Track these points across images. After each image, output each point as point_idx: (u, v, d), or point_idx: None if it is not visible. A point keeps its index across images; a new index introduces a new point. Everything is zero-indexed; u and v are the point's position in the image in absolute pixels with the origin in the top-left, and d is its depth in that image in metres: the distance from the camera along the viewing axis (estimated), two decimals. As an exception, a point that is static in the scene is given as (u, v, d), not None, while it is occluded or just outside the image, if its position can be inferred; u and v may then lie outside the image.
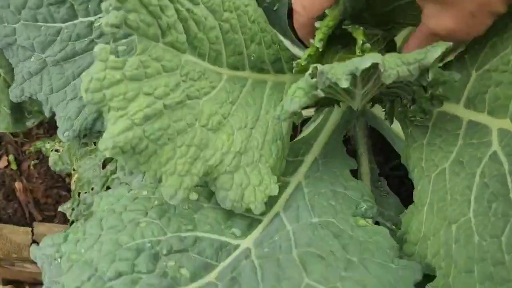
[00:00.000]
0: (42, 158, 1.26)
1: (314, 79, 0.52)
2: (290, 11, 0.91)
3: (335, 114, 0.82)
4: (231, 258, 0.60)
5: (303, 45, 0.90)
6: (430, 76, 0.53)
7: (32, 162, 1.24)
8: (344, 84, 0.49)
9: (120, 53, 0.51)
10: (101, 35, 0.86)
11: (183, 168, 0.55)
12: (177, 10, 0.54)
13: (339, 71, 0.50)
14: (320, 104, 0.74)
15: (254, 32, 0.66)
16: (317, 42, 0.65)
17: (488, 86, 0.58)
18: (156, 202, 0.63)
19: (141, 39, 0.51)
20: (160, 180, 0.54)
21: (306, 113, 0.96)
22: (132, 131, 0.50)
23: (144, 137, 0.51)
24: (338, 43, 0.70)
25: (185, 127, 0.56)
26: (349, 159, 0.75)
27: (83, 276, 0.56)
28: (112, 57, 0.49)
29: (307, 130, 0.84)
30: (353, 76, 0.50)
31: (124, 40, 0.66)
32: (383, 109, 0.72)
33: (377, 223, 0.77)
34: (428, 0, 0.55)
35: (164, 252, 0.57)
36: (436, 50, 0.50)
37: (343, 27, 0.64)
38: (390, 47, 0.69)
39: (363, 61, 0.49)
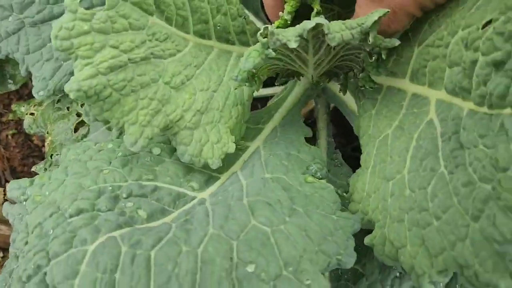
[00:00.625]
0: (20, 128, 1.29)
1: (266, 39, 0.57)
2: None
3: (297, 89, 0.87)
4: (187, 206, 0.65)
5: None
6: (371, 39, 0.58)
7: (10, 132, 1.27)
8: (293, 44, 0.54)
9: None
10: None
11: (144, 118, 0.60)
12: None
13: (289, 33, 0.55)
14: (281, 75, 0.79)
15: (220, 3, 0.70)
16: (286, 14, 0.69)
17: (427, 60, 0.64)
18: (119, 153, 0.68)
19: (109, -5, 0.55)
20: (122, 128, 0.59)
21: (273, 91, 1.01)
22: (97, 78, 0.54)
23: (108, 85, 0.56)
24: (305, 17, 0.75)
25: (148, 81, 0.60)
26: (305, 127, 0.80)
27: (46, 213, 0.60)
28: (81, 9, 0.53)
29: (270, 102, 0.89)
30: (301, 37, 0.55)
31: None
32: (339, 83, 0.78)
33: (329, 190, 0.83)
34: None
35: (124, 195, 0.62)
36: (374, 15, 0.56)
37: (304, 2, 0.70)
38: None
39: (310, 22, 0.54)
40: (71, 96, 0.52)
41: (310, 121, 1.08)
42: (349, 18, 0.78)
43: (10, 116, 1.26)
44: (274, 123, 0.82)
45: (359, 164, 0.72)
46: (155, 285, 0.50)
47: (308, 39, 0.61)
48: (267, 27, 0.57)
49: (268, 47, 0.58)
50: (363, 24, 0.55)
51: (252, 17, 1.04)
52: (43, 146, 1.29)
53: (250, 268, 0.52)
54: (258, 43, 0.61)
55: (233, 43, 0.77)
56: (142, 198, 0.62)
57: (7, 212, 0.69)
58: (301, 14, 0.73)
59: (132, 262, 0.52)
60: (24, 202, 0.64)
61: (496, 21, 0.48)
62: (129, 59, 0.58)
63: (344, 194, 0.82)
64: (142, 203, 0.61)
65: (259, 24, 1.03)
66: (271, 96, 1.02)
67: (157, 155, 0.70)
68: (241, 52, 0.79)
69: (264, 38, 0.58)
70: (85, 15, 0.53)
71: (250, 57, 0.59)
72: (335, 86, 0.87)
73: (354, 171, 0.89)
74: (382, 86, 0.73)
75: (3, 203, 1.04)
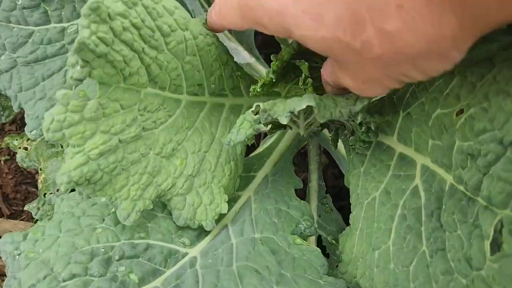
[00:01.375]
0: (13, 154, 1.30)
1: (257, 116, 0.58)
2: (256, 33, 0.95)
3: (289, 134, 0.88)
4: (178, 265, 0.67)
5: (267, 62, 0.96)
6: (359, 119, 0.60)
7: (3, 158, 1.28)
8: (284, 121, 0.55)
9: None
10: (72, 41, 0.89)
11: (136, 193, 0.62)
12: (141, 59, 0.58)
13: (280, 110, 0.56)
14: (273, 127, 0.80)
15: (215, 67, 0.70)
16: (271, 73, 0.70)
17: (412, 126, 0.65)
18: (113, 210, 0.69)
19: (102, 86, 0.55)
20: (115, 204, 0.60)
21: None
22: (87, 165, 0.55)
23: (99, 170, 0.57)
24: (292, 72, 0.75)
25: (139, 157, 0.61)
26: (296, 178, 0.82)
27: (39, 274, 0.62)
28: (72, 101, 0.53)
29: (262, 146, 0.90)
30: (292, 113, 0.56)
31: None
32: (329, 135, 0.79)
33: (319, 236, 0.85)
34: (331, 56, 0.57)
35: (117, 257, 0.64)
36: (365, 100, 0.57)
37: (292, 61, 0.70)
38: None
39: (300, 103, 0.55)
40: (62, 188, 0.54)
41: (302, 151, 1.10)
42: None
43: (3, 144, 1.27)
44: (266, 171, 0.84)
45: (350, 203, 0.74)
46: None
47: (298, 114, 0.62)
48: (259, 105, 0.58)
49: (260, 122, 0.59)
50: (352, 106, 0.57)
51: (245, 53, 1.05)
52: (36, 173, 1.30)
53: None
54: (247, 113, 0.61)
55: (226, 96, 0.78)
56: (134, 259, 0.65)
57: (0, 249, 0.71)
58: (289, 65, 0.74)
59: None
60: (17, 257, 0.66)
61: (467, 112, 0.50)
62: (119, 140, 0.58)
63: (333, 241, 0.85)
64: (134, 266, 0.64)
65: (252, 60, 1.03)
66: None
67: (150, 210, 0.71)
68: (234, 103, 0.79)
69: (255, 114, 0.59)
70: (77, 106, 0.54)
71: (242, 128, 0.60)
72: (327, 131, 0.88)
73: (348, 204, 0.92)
74: (376, 136, 0.74)
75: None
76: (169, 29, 0.59)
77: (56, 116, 0.53)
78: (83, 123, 0.54)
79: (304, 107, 0.56)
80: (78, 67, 0.51)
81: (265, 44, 1.09)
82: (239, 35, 0.99)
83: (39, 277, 0.62)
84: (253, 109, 0.60)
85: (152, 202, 0.64)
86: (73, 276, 0.62)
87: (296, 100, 0.58)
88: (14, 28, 0.89)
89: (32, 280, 0.62)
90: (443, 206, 0.57)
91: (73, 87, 0.54)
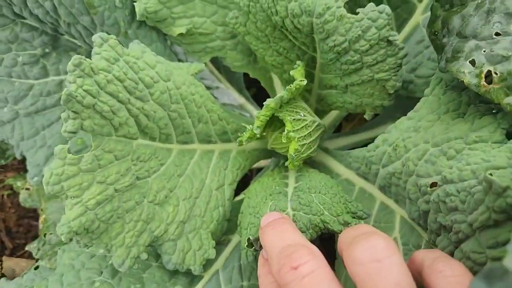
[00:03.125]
0: (15, 190, 1.34)
1: (252, 247, 0.64)
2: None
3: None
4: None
5: (257, 103, 1.01)
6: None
7: (6, 193, 1.32)
8: None
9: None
10: (70, 92, 0.94)
11: (130, 240, 0.65)
12: (128, 110, 0.63)
13: None
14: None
15: (201, 114, 0.75)
16: (255, 128, 0.73)
17: (391, 184, 0.68)
18: (110, 262, 0.73)
19: (95, 137, 0.60)
20: (110, 251, 0.64)
21: (257, 164, 1.06)
22: (85, 215, 0.59)
23: (96, 219, 0.60)
24: (278, 121, 0.80)
25: (134, 205, 0.65)
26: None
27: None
28: (69, 155, 0.58)
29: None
30: None
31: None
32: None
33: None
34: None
35: (114, 313, 0.67)
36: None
37: (275, 114, 0.74)
38: (319, 131, 0.80)
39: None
40: (62, 238, 0.57)
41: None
42: (320, 124, 0.83)
43: (6, 181, 1.31)
44: (256, 213, 0.87)
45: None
46: None
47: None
48: (249, 238, 0.65)
49: (256, 249, 0.65)
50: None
51: (235, 94, 1.10)
52: (38, 207, 1.34)
53: None
54: None
55: (215, 143, 0.82)
56: (130, 314, 0.68)
57: None
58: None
59: None
60: None
61: (440, 188, 0.53)
62: (115, 190, 0.62)
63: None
64: (130, 319, 0.67)
65: (242, 100, 1.08)
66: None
67: (145, 260, 0.75)
68: (223, 149, 0.84)
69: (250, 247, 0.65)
70: (73, 159, 0.58)
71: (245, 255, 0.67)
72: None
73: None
74: (355, 186, 0.78)
75: (0, 277, 1.09)
76: (151, 80, 0.64)
77: (55, 170, 0.57)
78: (80, 175, 0.59)
79: None
80: (70, 120, 0.56)
81: (250, 82, 1.13)
82: (229, 76, 1.04)
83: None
84: (246, 244, 0.65)
85: (146, 248, 0.67)
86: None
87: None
88: (15, 82, 0.94)
89: None
90: None
91: (68, 141, 0.58)
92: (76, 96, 0.56)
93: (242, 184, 1.02)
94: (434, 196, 0.54)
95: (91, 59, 0.59)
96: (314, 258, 0.48)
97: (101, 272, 0.72)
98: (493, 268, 0.29)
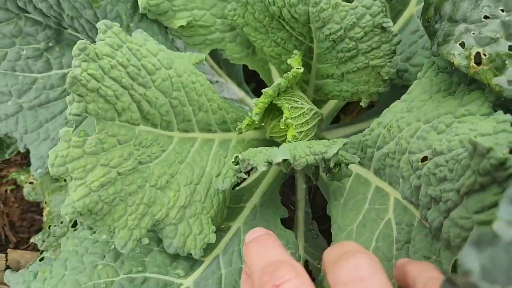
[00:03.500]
0: (18, 184, 1.36)
1: (238, 166, 0.64)
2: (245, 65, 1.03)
3: (275, 167, 0.94)
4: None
5: (257, 97, 1.03)
6: (331, 163, 0.65)
7: (9, 188, 1.34)
8: (262, 168, 0.62)
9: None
10: (73, 85, 0.97)
11: (133, 223, 0.67)
12: (131, 95, 0.65)
13: (258, 160, 0.63)
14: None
15: (201, 103, 0.77)
16: (254, 116, 0.76)
17: (385, 165, 0.70)
18: (112, 246, 0.75)
19: (99, 121, 0.62)
20: (113, 233, 0.66)
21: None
22: (89, 197, 0.61)
23: (100, 200, 0.62)
24: (276, 110, 0.82)
25: (136, 189, 0.67)
26: (282, 208, 0.87)
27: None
28: (74, 138, 0.60)
29: (252, 176, 0.96)
30: (269, 163, 0.62)
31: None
32: (311, 173, 0.85)
33: (306, 261, 0.90)
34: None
35: (115, 291, 0.69)
36: (335, 147, 0.63)
37: (273, 102, 0.77)
38: (317, 120, 0.82)
39: (276, 156, 0.61)
40: (67, 218, 0.59)
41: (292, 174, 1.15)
42: (318, 112, 0.85)
43: (9, 176, 1.33)
44: (254, 201, 0.89)
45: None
46: None
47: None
48: (237, 156, 0.64)
49: (241, 171, 0.65)
50: (324, 153, 0.63)
51: (234, 87, 1.12)
52: (42, 201, 1.36)
53: None
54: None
55: (215, 132, 0.84)
56: (132, 292, 0.70)
57: (8, 279, 0.76)
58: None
59: None
60: None
61: (430, 160, 0.55)
62: (118, 173, 0.64)
63: (319, 266, 0.89)
64: (132, 300, 0.69)
65: (241, 94, 1.11)
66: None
67: (146, 244, 0.76)
68: (223, 138, 0.86)
69: (236, 165, 0.65)
70: (78, 142, 0.60)
71: (227, 177, 0.67)
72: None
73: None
74: (351, 172, 0.80)
75: (5, 269, 1.11)
76: (153, 67, 0.66)
77: (59, 152, 0.59)
78: (84, 157, 0.61)
79: (280, 160, 0.62)
80: (75, 103, 0.58)
81: (249, 76, 1.15)
82: (229, 70, 1.07)
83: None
84: (233, 160, 0.67)
85: (148, 232, 0.69)
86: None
87: (274, 150, 0.65)
88: (19, 76, 0.96)
89: None
90: (412, 241, 0.62)
91: (74, 125, 0.60)
92: (81, 80, 0.58)
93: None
94: (425, 169, 0.56)
95: (95, 46, 0.61)
96: (297, 276, 0.47)
97: (104, 256, 0.73)
98: (482, 233, 0.29)
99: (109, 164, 0.64)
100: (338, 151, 0.62)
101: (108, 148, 0.64)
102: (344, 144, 0.63)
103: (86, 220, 0.63)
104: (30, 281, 0.71)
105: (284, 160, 0.63)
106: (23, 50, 0.94)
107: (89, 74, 0.59)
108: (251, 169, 0.74)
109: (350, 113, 1.17)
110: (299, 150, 0.63)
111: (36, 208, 1.36)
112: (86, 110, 0.60)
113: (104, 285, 0.69)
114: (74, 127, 0.60)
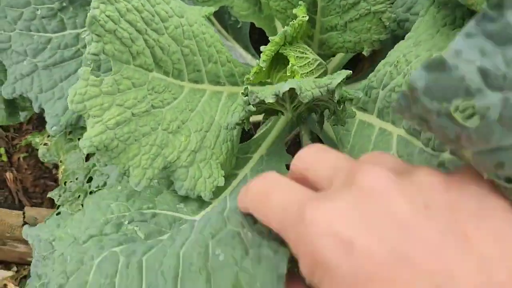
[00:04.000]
0: (31, 151, 1.40)
1: (246, 97, 0.68)
2: (252, 28, 1.06)
3: (281, 121, 0.97)
4: (182, 227, 0.75)
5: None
6: (336, 96, 0.68)
7: (22, 155, 1.38)
8: (270, 100, 0.65)
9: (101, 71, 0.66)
10: (86, 45, 1.00)
11: (146, 162, 0.71)
12: (145, 40, 0.69)
13: (266, 92, 0.66)
14: (266, 113, 0.89)
15: (210, 54, 0.81)
16: (261, 62, 0.80)
17: (389, 102, 0.74)
18: (125, 191, 0.79)
19: (115, 62, 0.66)
20: (127, 171, 0.70)
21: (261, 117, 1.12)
22: (106, 133, 0.65)
23: (115, 138, 0.66)
24: (282, 62, 0.85)
25: (149, 130, 0.71)
26: (287, 156, 0.91)
27: (66, 245, 0.71)
28: (92, 77, 0.64)
29: (258, 132, 1.00)
30: (277, 95, 0.66)
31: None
32: (316, 119, 0.89)
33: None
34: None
35: (127, 222, 0.72)
36: (339, 77, 0.66)
37: (280, 51, 0.80)
38: (321, 71, 0.85)
39: (284, 86, 0.64)
40: (84, 151, 0.63)
41: (297, 140, 1.19)
42: (322, 63, 0.89)
43: (22, 143, 1.37)
44: (261, 152, 0.93)
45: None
46: (146, 281, 0.60)
47: (283, 96, 0.72)
48: (247, 87, 0.67)
49: (250, 103, 0.68)
50: (329, 84, 0.66)
51: (241, 51, 1.15)
52: (54, 168, 1.40)
53: (221, 257, 0.60)
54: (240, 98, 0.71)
55: (223, 84, 0.88)
56: (143, 222, 0.73)
57: (27, 234, 0.80)
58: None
59: (128, 267, 0.63)
60: (53, 242, 0.75)
61: None
62: (132, 114, 0.68)
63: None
64: (141, 226, 0.72)
65: (248, 57, 1.14)
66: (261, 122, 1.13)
67: (157, 186, 0.80)
68: (231, 91, 0.89)
69: (245, 96, 0.68)
70: (95, 81, 0.64)
71: (236, 111, 0.70)
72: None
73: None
74: (355, 119, 0.83)
75: (22, 225, 1.16)
76: (166, 14, 0.70)
77: (78, 89, 0.63)
78: (101, 96, 0.64)
79: (287, 89, 0.65)
80: (93, 43, 0.62)
81: (260, 41, 1.18)
82: (236, 34, 1.10)
83: (66, 246, 0.71)
84: (242, 91, 0.70)
85: (160, 171, 0.73)
86: (90, 237, 0.71)
87: (281, 84, 0.68)
88: (34, 35, 1.00)
89: (62, 251, 0.71)
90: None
91: (91, 65, 0.64)
92: (99, 20, 0.62)
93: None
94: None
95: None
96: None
97: (117, 198, 0.77)
98: (433, 59, 0.33)
99: (124, 105, 0.67)
100: (342, 80, 0.65)
101: (123, 90, 0.67)
102: (347, 75, 0.66)
103: (103, 156, 0.66)
104: (53, 230, 0.75)
105: (292, 97, 0.66)
106: (38, 10, 0.97)
107: (106, 16, 0.62)
108: (264, 114, 0.77)
109: (355, 75, 1.20)
110: (305, 84, 0.66)
111: (49, 174, 1.41)
112: (104, 51, 0.63)
113: (116, 218, 0.73)
114: (93, 64, 0.64)
